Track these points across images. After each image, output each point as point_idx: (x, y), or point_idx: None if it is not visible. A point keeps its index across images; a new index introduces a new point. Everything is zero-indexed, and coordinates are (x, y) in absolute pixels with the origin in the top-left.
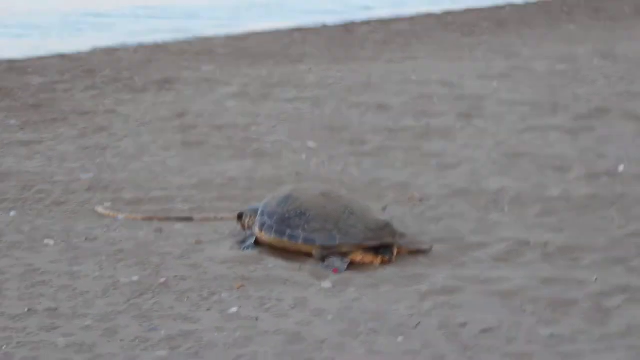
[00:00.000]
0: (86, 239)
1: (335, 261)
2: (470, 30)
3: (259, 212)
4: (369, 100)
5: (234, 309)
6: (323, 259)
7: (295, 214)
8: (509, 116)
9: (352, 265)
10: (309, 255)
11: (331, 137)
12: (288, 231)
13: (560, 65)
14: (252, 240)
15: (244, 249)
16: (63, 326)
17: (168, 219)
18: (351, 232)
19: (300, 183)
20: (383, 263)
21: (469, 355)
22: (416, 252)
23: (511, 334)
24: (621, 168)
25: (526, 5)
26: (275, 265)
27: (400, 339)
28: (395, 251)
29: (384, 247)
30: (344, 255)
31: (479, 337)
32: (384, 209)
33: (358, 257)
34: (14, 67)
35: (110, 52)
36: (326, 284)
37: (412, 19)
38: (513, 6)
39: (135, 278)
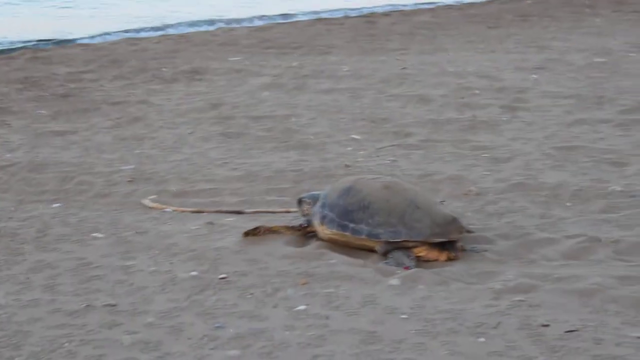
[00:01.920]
0: (136, 232)
1: (402, 257)
2: (495, 23)
3: (320, 205)
4: (408, 92)
5: (301, 307)
6: (386, 254)
7: (358, 207)
8: (554, 109)
9: (417, 261)
10: (371, 250)
11: (374, 129)
12: (351, 225)
13: (597, 58)
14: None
15: (291, 226)
16: (125, 323)
17: (219, 212)
18: (417, 227)
19: (352, 175)
20: (449, 260)
21: (557, 357)
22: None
23: (597, 336)
24: None
25: None
26: (338, 261)
27: (481, 339)
28: (460, 247)
29: (450, 243)
30: (408, 250)
31: (564, 339)
32: (442, 203)
33: (422, 252)
34: (37, 56)
35: (133, 42)
36: (394, 281)
37: (433, 11)
38: None
39: (193, 273)
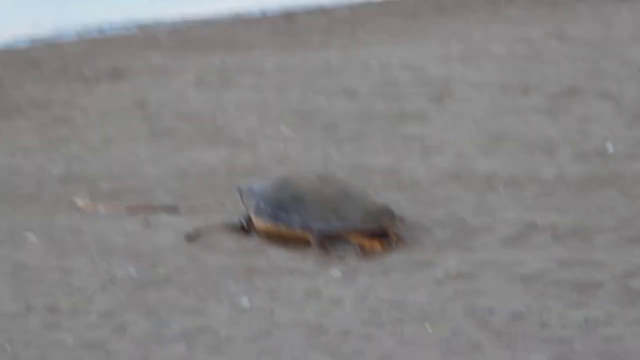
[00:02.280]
0: (71, 232)
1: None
2: (414, 16)
3: (256, 198)
4: (334, 86)
5: (245, 302)
6: (321, 246)
7: (292, 199)
8: (481, 98)
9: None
10: (308, 243)
11: (304, 124)
12: (284, 216)
13: (518, 47)
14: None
15: (230, 224)
16: (66, 324)
17: (153, 209)
18: (349, 216)
19: (285, 171)
20: (383, 248)
21: (505, 343)
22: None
23: (543, 319)
24: (610, 148)
25: None
26: (278, 255)
27: (428, 327)
28: (395, 235)
29: (383, 231)
30: (343, 240)
31: (510, 324)
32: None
33: (356, 241)
34: None
35: (51, 44)
36: (335, 273)
37: (352, 7)
38: None
39: (132, 273)
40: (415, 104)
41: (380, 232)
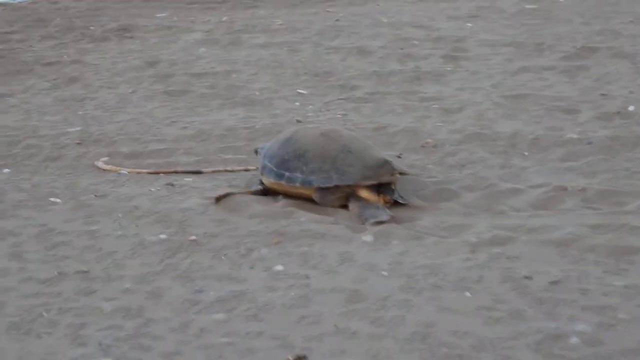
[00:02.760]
0: (95, 195)
1: (376, 212)
2: None
3: (262, 155)
4: (346, 45)
5: (279, 267)
6: (360, 210)
7: (295, 156)
8: (495, 57)
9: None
10: (344, 207)
11: (319, 83)
12: (287, 174)
13: (527, 5)
14: (259, 183)
15: (253, 191)
16: (101, 290)
17: (176, 172)
18: (348, 171)
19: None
20: (386, 203)
21: (546, 310)
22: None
23: (582, 286)
24: (632, 108)
25: None
26: (307, 219)
27: (467, 294)
28: (395, 189)
29: (384, 186)
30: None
31: (550, 290)
32: (399, 156)
33: (363, 195)
34: None
35: (53, 0)
36: (367, 237)
37: None
38: None
39: (162, 236)
40: (430, 64)
41: (381, 186)
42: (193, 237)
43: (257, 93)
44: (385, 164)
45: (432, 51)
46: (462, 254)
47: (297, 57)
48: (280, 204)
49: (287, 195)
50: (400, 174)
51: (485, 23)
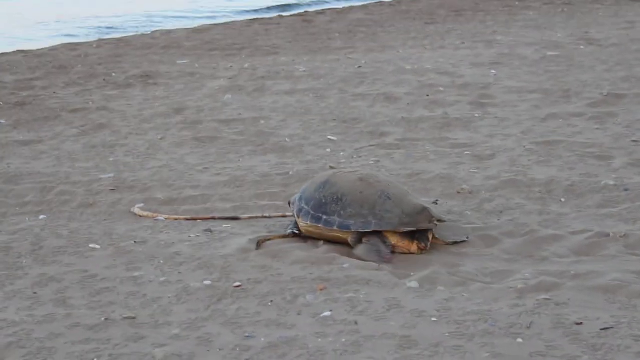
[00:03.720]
0: (134, 242)
1: (379, 245)
2: (431, 18)
3: (297, 198)
4: (371, 91)
5: (326, 313)
6: (360, 242)
7: (332, 200)
8: (523, 104)
9: (432, 263)
10: (347, 244)
11: (348, 130)
12: (324, 217)
13: (549, 52)
14: (294, 226)
15: (288, 232)
16: (150, 336)
17: (213, 219)
18: (387, 217)
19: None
20: (420, 250)
21: (601, 356)
22: (453, 244)
23: (634, 332)
24: None
25: None
26: (351, 265)
27: (519, 340)
28: (430, 237)
29: (421, 233)
30: (382, 237)
31: (602, 337)
32: (436, 202)
33: (394, 242)
34: None
35: (73, 48)
36: (412, 283)
37: (366, 8)
38: None
39: (207, 282)
40: (457, 110)
41: (417, 233)
42: (238, 284)
43: (287, 140)
44: (423, 210)
45: (459, 98)
46: (510, 300)
47: (324, 103)
48: (321, 250)
49: (325, 240)
50: (439, 221)
51: (509, 70)
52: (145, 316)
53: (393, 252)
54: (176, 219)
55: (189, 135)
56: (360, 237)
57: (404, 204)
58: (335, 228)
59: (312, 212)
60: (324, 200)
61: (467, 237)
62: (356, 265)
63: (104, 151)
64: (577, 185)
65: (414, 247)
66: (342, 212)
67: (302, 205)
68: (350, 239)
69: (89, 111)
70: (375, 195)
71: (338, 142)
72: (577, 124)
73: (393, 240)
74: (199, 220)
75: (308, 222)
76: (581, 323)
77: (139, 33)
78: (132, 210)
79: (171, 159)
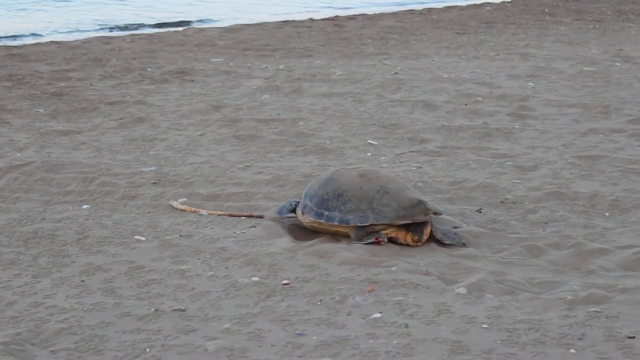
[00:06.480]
0: (180, 235)
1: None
2: (462, 29)
3: (303, 195)
4: (409, 98)
5: (376, 314)
6: (361, 238)
7: (334, 196)
8: (562, 118)
9: (478, 271)
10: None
11: (388, 135)
12: (326, 213)
13: (585, 67)
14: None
15: (363, 242)
16: (200, 329)
17: (256, 217)
18: (384, 211)
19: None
20: (414, 242)
21: None
22: (449, 245)
23: None
24: None
25: (504, 4)
26: (399, 268)
27: (572, 351)
28: (425, 231)
29: (416, 225)
30: (380, 233)
31: None
32: (480, 211)
33: (391, 234)
34: (13, 53)
35: (106, 41)
36: (460, 289)
37: (397, 15)
38: (492, 5)
39: (255, 279)
40: (497, 121)
41: (412, 226)
42: (286, 281)
43: (327, 142)
44: (419, 203)
45: (498, 108)
46: (560, 310)
47: (362, 107)
48: (367, 251)
49: (328, 234)
50: (435, 213)
51: (547, 83)
52: (195, 309)
53: (395, 244)
54: (219, 215)
55: (228, 133)
56: (360, 230)
57: (400, 198)
58: (336, 223)
59: (315, 209)
60: (326, 197)
61: (464, 244)
62: (404, 268)
63: (143, 144)
64: (621, 201)
65: (409, 239)
66: (342, 207)
67: (306, 202)
68: (350, 232)
69: (126, 104)
70: (374, 190)
71: (379, 146)
72: (618, 139)
73: (391, 233)
74: (242, 217)
75: (311, 219)
76: (634, 337)
77: (171, 30)
78: (170, 203)
79: (212, 155)
